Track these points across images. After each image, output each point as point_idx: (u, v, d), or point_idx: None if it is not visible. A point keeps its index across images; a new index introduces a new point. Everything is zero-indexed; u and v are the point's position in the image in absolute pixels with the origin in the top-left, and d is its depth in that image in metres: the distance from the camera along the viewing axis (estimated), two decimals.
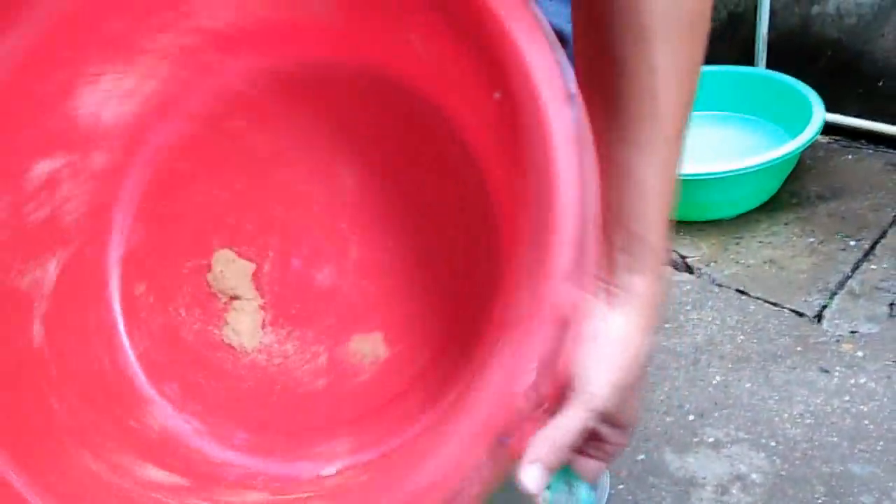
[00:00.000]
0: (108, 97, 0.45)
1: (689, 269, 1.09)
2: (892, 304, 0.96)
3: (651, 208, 0.41)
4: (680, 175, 0.42)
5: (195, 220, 0.51)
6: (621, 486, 0.81)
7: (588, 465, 0.43)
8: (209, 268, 0.52)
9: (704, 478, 0.80)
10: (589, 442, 0.43)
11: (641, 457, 0.84)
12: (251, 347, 0.54)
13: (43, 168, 0.43)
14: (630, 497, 0.80)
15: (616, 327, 0.41)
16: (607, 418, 0.41)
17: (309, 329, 0.53)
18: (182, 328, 0.52)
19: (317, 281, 0.53)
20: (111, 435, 0.46)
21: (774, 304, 1.00)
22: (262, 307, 0.53)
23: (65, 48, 0.40)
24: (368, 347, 0.50)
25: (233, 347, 0.53)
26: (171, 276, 0.51)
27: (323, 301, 0.54)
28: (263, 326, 0.54)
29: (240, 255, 0.53)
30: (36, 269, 0.45)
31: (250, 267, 0.52)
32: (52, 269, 0.45)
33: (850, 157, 1.25)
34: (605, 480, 0.82)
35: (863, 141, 1.26)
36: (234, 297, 0.54)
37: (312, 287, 0.53)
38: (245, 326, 0.54)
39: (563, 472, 0.41)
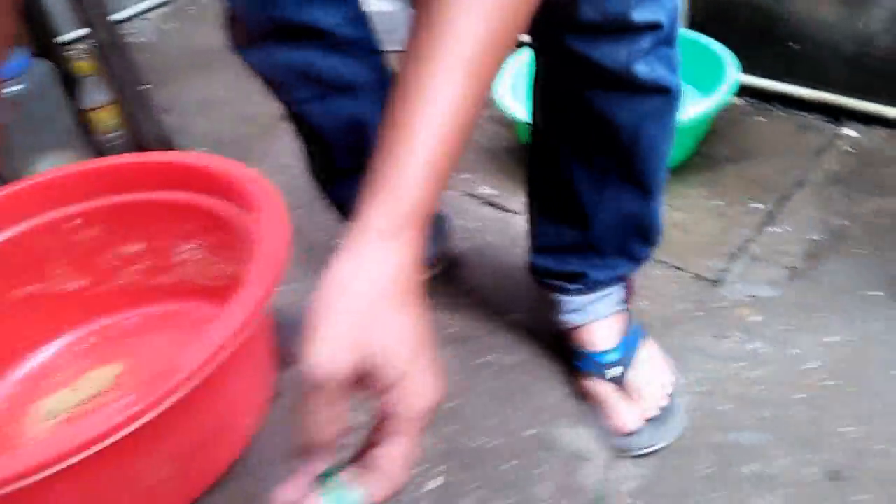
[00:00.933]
0: None
1: None
2: (792, 268, 0.94)
3: (412, 123, 0.38)
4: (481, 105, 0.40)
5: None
6: (507, 465, 0.77)
7: (391, 447, 0.38)
8: None
9: (593, 451, 0.76)
10: (382, 420, 0.39)
11: (532, 431, 0.80)
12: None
13: None
14: (515, 472, 0.76)
15: (330, 279, 0.39)
16: (363, 369, 0.36)
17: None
18: None
19: None
20: None
21: (677, 269, 0.96)
22: None
23: None
24: None
25: None
26: None
27: None
28: None
29: None
30: None
31: None
32: None
33: (762, 118, 1.22)
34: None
35: (776, 103, 1.24)
36: None
37: None
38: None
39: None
